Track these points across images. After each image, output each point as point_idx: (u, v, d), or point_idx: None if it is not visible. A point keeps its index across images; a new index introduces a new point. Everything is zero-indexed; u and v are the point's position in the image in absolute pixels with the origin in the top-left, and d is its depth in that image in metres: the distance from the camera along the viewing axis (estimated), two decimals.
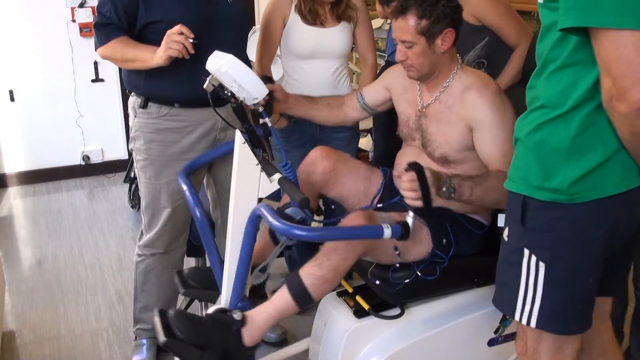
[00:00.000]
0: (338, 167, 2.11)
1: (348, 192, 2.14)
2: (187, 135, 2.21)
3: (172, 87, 2.15)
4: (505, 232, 1.50)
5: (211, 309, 1.81)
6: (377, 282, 1.91)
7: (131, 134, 2.28)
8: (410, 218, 1.71)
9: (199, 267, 2.12)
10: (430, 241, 1.89)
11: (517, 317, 1.47)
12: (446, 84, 1.97)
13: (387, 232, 1.66)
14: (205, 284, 2.01)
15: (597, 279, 1.41)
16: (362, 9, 2.59)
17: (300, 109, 2.26)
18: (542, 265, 1.40)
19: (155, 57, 2.04)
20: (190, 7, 2.08)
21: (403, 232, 1.69)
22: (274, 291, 1.94)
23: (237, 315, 1.73)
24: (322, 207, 2.36)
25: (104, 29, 2.09)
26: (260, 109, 1.81)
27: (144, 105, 2.19)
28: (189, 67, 2.10)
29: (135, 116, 2.23)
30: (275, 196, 2.52)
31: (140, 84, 2.19)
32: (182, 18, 2.05)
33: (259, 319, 1.76)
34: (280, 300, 1.78)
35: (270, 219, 1.61)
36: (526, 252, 1.42)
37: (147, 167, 2.23)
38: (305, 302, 1.78)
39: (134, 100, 2.24)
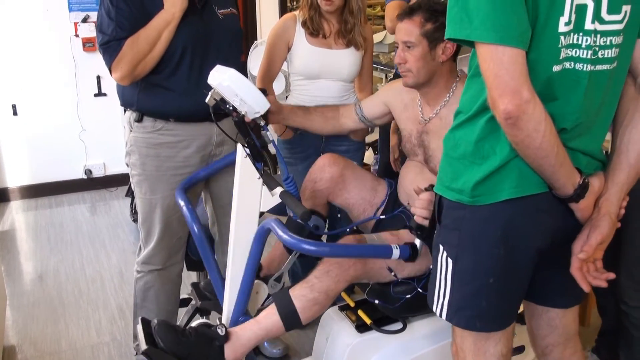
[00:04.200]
0: (345, 174, 2.12)
1: (354, 200, 2.15)
2: (183, 150, 2.19)
3: (166, 102, 2.13)
4: None
5: (195, 322, 1.80)
6: (376, 301, 1.90)
7: (126, 149, 2.26)
8: (418, 240, 1.74)
9: None
10: (429, 257, 1.88)
11: (434, 309, 1.53)
12: (446, 98, 1.97)
13: (396, 252, 1.70)
14: None
15: (505, 281, 1.42)
16: (370, 38, 2.64)
17: (295, 120, 2.25)
18: (450, 261, 1.45)
19: (175, 8, 2.00)
20: (187, 24, 2.07)
21: (411, 253, 1.73)
22: (260, 308, 1.93)
23: (220, 331, 1.72)
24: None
25: (111, 44, 2.04)
26: (262, 122, 1.82)
27: (139, 119, 2.17)
28: (183, 81, 2.10)
29: (131, 130, 2.22)
30: (276, 210, 2.52)
31: (134, 100, 2.16)
32: (181, 35, 2.05)
33: (244, 336, 1.75)
34: (268, 320, 1.76)
35: (280, 233, 1.62)
36: (441, 248, 1.48)
37: (143, 183, 2.22)
38: (294, 325, 1.77)
39: (129, 114, 2.22)
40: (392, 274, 1.84)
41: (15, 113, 4.46)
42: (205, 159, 2.25)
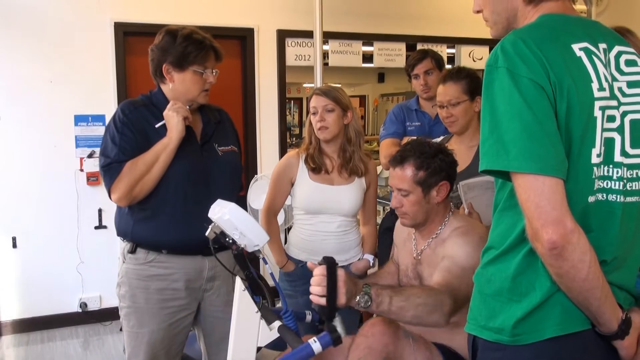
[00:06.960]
0: None
1: None
2: (172, 282, 2.19)
3: (160, 233, 2.16)
4: None
5: None
6: None
7: (117, 280, 2.26)
8: (337, 320, 1.59)
9: None
10: None
11: None
12: (438, 231, 2.02)
13: (316, 345, 1.56)
14: None
15: None
16: (373, 172, 2.71)
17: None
18: None
19: (171, 132, 2.09)
20: (186, 157, 2.16)
21: (333, 337, 1.56)
22: None
23: None
24: None
25: (112, 166, 2.11)
26: (261, 256, 1.84)
27: (132, 251, 2.20)
28: (178, 213, 2.14)
29: (124, 262, 2.23)
30: (274, 345, 2.46)
31: (129, 230, 2.20)
32: (178, 166, 2.13)
33: None
34: None
35: None
36: None
37: (131, 315, 2.20)
38: None
39: (123, 245, 2.25)
40: None
41: (14, 246, 4.47)
42: (194, 293, 2.24)
